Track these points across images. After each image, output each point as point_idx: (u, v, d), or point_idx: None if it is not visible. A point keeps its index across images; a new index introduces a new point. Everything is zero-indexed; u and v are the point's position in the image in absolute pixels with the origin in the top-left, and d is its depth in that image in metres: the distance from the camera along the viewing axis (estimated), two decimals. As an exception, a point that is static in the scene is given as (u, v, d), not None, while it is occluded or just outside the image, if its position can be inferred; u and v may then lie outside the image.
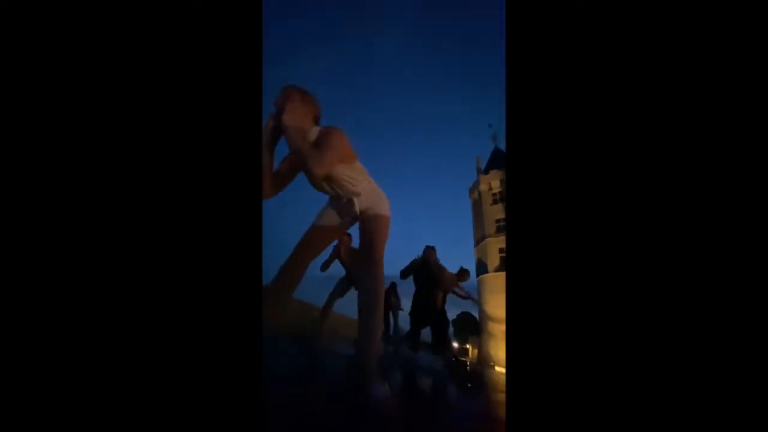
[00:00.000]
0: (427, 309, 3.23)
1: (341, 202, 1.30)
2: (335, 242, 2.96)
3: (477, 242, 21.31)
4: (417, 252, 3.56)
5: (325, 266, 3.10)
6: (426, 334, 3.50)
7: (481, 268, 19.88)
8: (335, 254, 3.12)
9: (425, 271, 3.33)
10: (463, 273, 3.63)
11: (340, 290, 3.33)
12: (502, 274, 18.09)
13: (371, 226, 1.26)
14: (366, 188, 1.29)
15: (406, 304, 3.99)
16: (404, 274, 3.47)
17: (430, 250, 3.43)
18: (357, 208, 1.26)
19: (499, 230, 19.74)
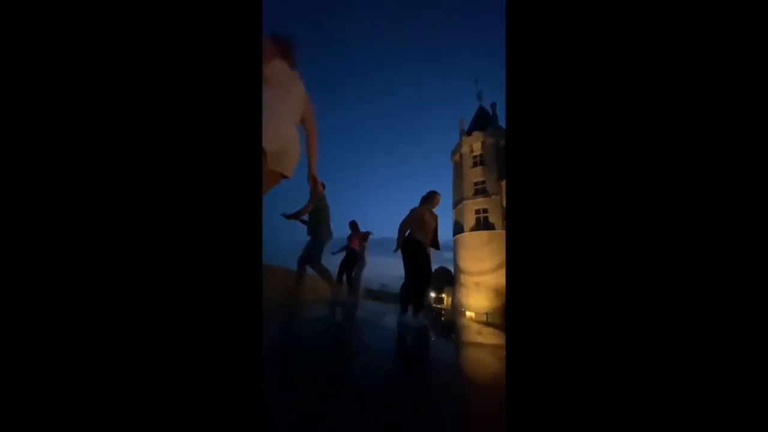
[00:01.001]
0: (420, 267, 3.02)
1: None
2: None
3: (455, 204, 22.28)
4: (399, 215, 3.35)
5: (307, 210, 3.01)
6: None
7: (458, 227, 21.25)
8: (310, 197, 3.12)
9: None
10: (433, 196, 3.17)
11: (307, 254, 3.31)
12: (476, 233, 19.66)
13: None
14: (286, 81, 1.17)
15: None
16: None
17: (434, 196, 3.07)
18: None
19: (476, 193, 20.64)
